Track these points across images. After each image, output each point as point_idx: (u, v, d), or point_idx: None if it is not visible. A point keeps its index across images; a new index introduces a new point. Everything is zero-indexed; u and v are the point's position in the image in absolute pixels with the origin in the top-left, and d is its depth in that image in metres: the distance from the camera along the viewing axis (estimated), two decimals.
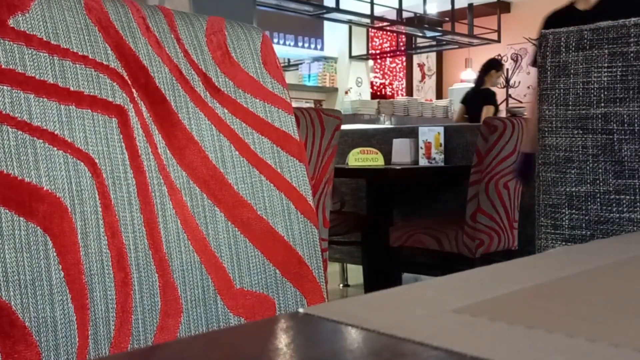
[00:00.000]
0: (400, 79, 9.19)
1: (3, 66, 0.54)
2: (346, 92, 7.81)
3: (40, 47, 0.56)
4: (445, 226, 2.91)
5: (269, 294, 0.67)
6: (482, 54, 8.83)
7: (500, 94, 7.97)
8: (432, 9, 7.50)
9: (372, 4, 6.21)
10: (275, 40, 7.24)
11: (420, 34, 7.10)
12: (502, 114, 7.52)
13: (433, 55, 9.47)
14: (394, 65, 9.11)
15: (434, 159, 3.54)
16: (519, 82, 8.63)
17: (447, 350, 0.29)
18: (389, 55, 8.64)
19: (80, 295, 0.54)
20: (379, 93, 8.79)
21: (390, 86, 9.06)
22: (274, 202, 0.69)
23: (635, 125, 1.00)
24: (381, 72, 8.96)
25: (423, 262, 3.55)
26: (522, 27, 8.51)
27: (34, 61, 0.55)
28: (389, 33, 8.19)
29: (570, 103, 1.06)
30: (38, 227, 0.53)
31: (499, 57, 8.25)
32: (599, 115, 1.03)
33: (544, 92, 1.09)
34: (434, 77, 9.60)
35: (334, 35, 7.97)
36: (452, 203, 3.57)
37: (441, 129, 3.57)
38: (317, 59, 7.97)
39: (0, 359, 0.50)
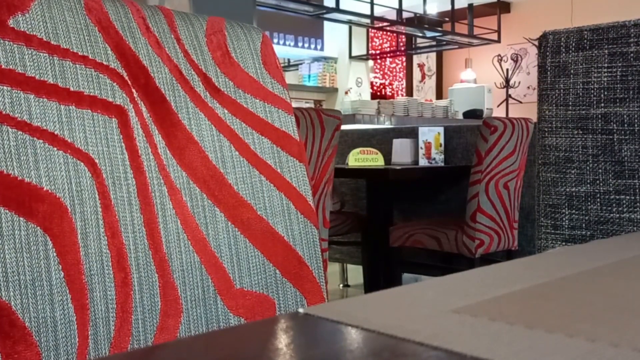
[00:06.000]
0: (400, 79, 9.19)
1: (3, 66, 0.54)
2: (346, 92, 7.80)
3: (40, 47, 0.56)
4: (445, 226, 2.91)
5: (269, 294, 0.67)
6: (482, 54, 8.84)
7: (500, 94, 7.98)
8: (432, 9, 7.50)
9: (372, 4, 6.21)
10: (275, 40, 7.23)
11: (420, 34, 7.09)
12: (500, 113, 7.52)
13: (433, 55, 9.47)
14: (394, 65, 9.11)
15: (434, 159, 3.54)
16: (519, 82, 8.63)
17: (447, 350, 0.29)
18: (389, 55, 8.63)
19: (80, 295, 0.54)
20: (379, 93, 8.79)
21: (390, 86, 9.06)
22: (274, 202, 0.69)
23: (635, 125, 1.00)
24: (381, 72, 8.96)
25: (423, 262, 3.54)
26: (522, 27, 8.51)
27: (34, 61, 0.55)
28: (389, 33, 8.18)
29: (570, 103, 1.06)
30: (38, 227, 0.53)
31: (499, 58, 8.26)
32: (599, 115, 1.03)
33: (544, 92, 1.09)
34: (434, 77, 9.60)
35: (334, 36, 7.97)
36: (452, 203, 3.57)
37: (441, 129, 3.57)
38: (317, 59, 7.97)
39: (0, 359, 0.50)
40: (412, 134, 3.75)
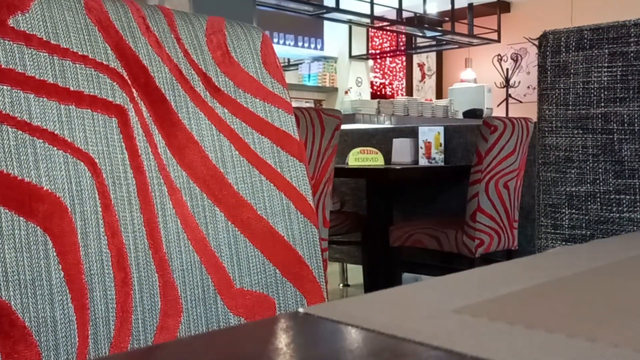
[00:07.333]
0: (400, 79, 9.19)
1: (3, 66, 0.54)
2: (346, 92, 7.80)
3: (40, 47, 0.56)
4: (445, 226, 2.91)
5: (269, 294, 0.67)
6: (482, 54, 8.84)
7: (500, 94, 7.98)
8: (432, 9, 7.50)
9: (372, 3, 6.21)
10: (275, 40, 7.23)
11: (420, 34, 7.09)
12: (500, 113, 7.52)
13: (433, 55, 9.46)
14: (394, 65, 9.10)
15: (434, 159, 3.54)
16: (519, 82, 8.63)
17: (447, 350, 0.29)
18: (389, 55, 8.63)
19: (80, 295, 0.54)
20: (379, 93, 8.79)
21: (390, 86, 9.06)
22: (274, 202, 0.69)
23: (635, 125, 1.00)
24: (381, 72, 8.96)
25: (423, 262, 3.54)
26: (522, 27, 8.50)
27: (34, 61, 0.55)
28: (389, 33, 8.18)
29: (570, 103, 1.06)
30: (38, 227, 0.53)
31: (499, 57, 8.26)
32: (599, 115, 1.03)
33: (544, 92, 1.09)
34: (434, 77, 9.60)
35: (334, 35, 7.97)
36: (452, 203, 3.57)
37: (441, 129, 3.57)
38: (317, 59, 7.97)
39: (0, 359, 0.50)
40: (412, 133, 3.75)
